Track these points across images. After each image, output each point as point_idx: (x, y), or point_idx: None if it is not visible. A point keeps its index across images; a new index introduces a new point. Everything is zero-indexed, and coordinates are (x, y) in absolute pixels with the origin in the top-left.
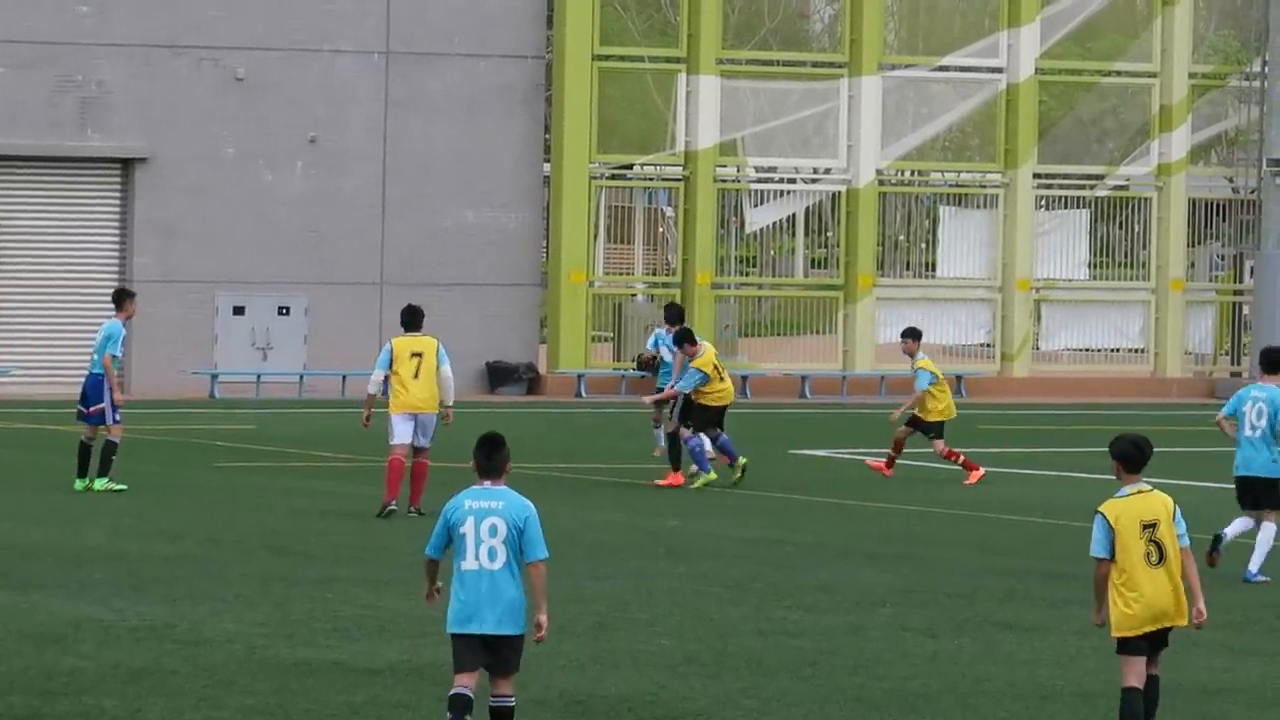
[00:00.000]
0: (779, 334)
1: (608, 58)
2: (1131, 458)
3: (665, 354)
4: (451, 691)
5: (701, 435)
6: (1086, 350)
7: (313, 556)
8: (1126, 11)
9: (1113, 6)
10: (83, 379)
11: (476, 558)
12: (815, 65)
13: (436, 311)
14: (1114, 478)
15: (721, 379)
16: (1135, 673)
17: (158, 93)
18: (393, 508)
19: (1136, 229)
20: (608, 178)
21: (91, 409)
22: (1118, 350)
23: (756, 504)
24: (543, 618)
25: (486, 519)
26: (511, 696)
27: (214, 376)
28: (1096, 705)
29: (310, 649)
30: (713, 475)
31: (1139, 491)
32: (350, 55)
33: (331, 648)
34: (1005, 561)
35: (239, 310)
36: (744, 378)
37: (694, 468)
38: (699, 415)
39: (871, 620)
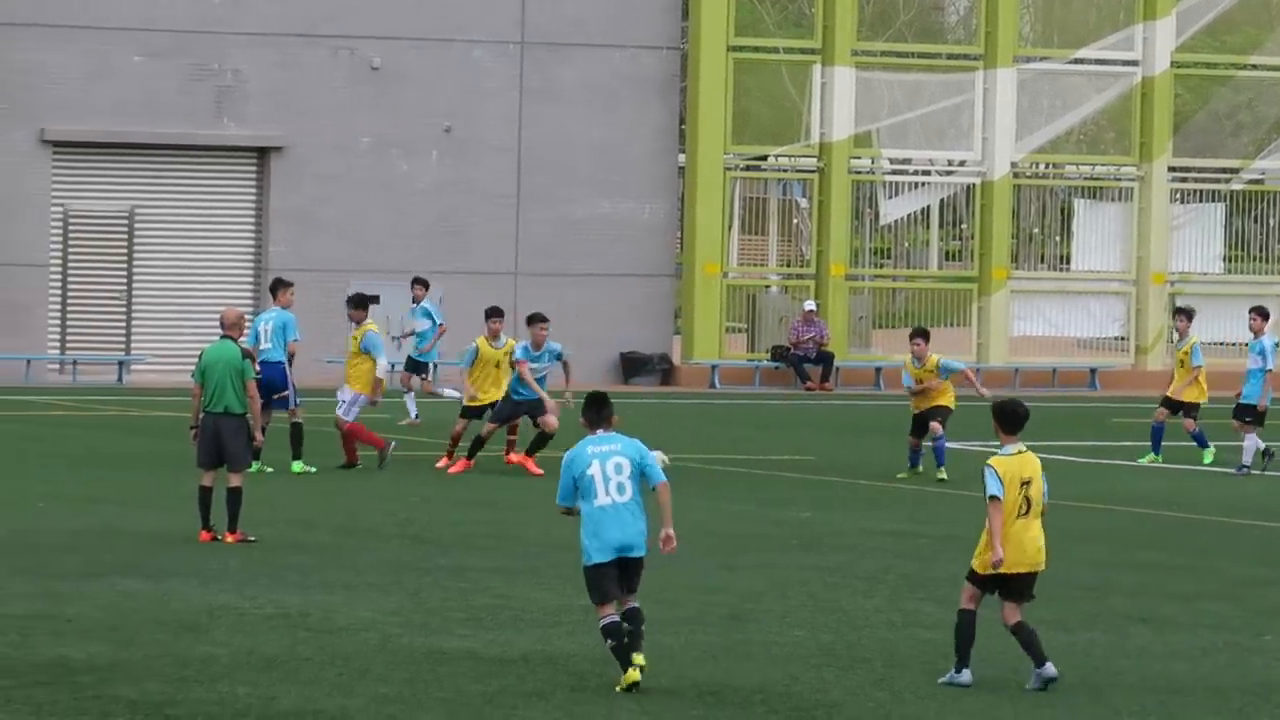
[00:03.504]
0: (912, 326)
1: (742, 49)
2: (1008, 418)
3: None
4: (603, 622)
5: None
6: (1221, 344)
7: (445, 545)
8: (1262, 5)
9: (1248, 0)
10: None
11: (608, 493)
12: (950, 57)
13: (571, 302)
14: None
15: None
16: (970, 598)
17: (293, 82)
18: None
19: (1272, 223)
20: (742, 169)
21: (276, 395)
22: None
23: (889, 496)
24: (670, 531)
25: (611, 459)
26: (638, 603)
27: None
28: (1230, 699)
29: (444, 638)
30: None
31: (1019, 451)
32: (485, 45)
33: (465, 637)
34: (1137, 554)
35: (373, 299)
36: (877, 369)
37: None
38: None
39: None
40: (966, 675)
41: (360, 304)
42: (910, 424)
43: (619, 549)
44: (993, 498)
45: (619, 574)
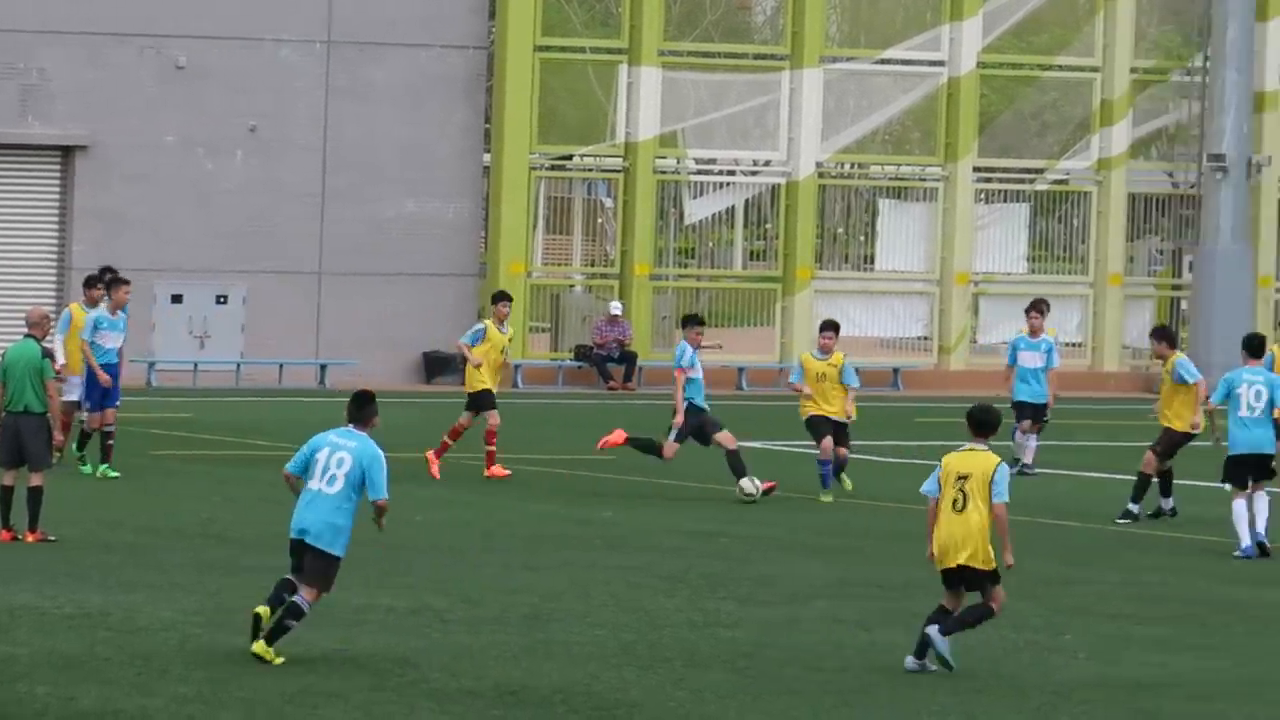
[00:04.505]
0: (716, 326)
1: (549, 48)
2: (976, 422)
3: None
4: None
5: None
6: None
7: (249, 545)
8: (1069, 6)
9: (1055, 1)
10: None
11: (320, 480)
12: (757, 57)
13: (375, 301)
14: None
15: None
16: (947, 597)
17: (99, 80)
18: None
19: (1076, 223)
20: (547, 168)
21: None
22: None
23: (693, 496)
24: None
25: (338, 452)
26: (309, 602)
27: (151, 365)
28: (1030, 698)
29: (245, 638)
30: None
31: (972, 450)
32: (292, 44)
33: None
34: None
35: (177, 299)
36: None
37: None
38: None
39: (806, 612)
40: (912, 663)
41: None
42: (811, 432)
43: (299, 531)
44: (924, 494)
45: (302, 561)
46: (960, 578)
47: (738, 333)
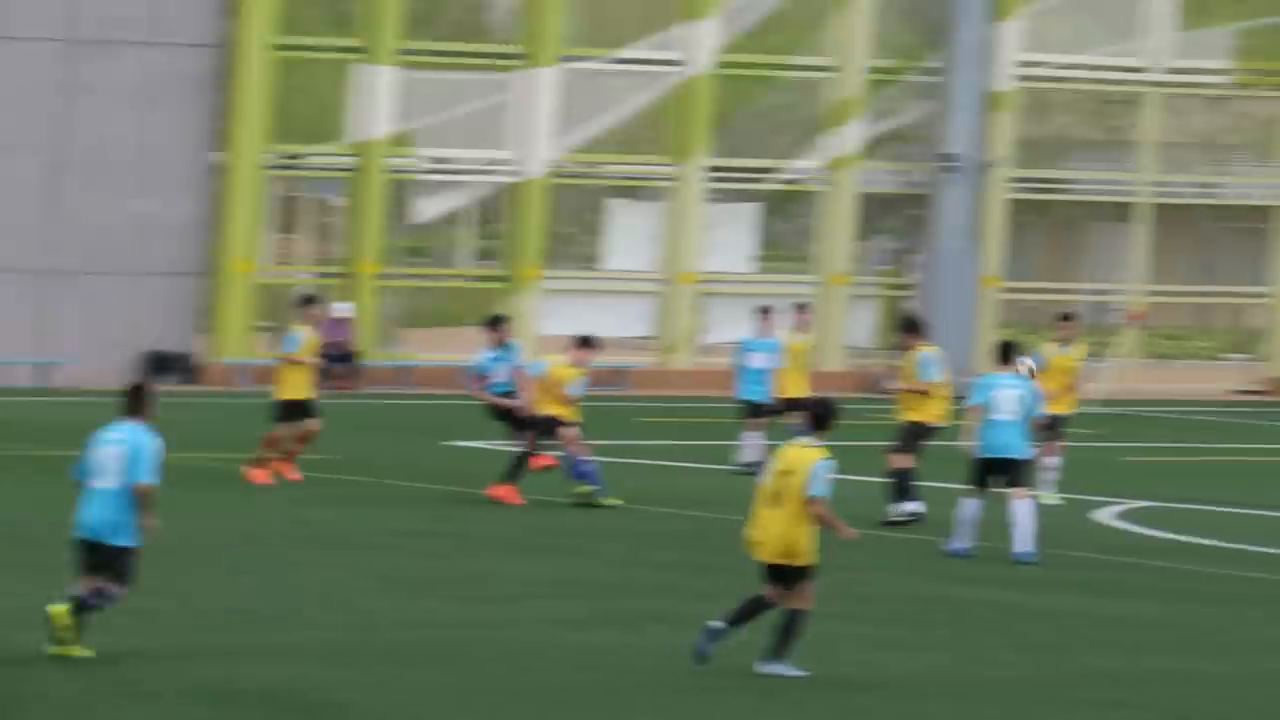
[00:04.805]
0: (444, 325)
1: (285, 47)
2: (811, 416)
3: None
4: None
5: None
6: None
7: None
8: (807, 6)
9: (793, 1)
10: None
11: (98, 477)
12: (492, 56)
13: (99, 300)
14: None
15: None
16: (768, 590)
17: None
18: None
19: (806, 223)
20: (278, 167)
21: None
22: None
23: (408, 495)
24: (150, 523)
25: (108, 447)
26: (100, 595)
27: None
28: (743, 698)
29: None
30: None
31: (801, 445)
32: (24, 42)
33: None
34: (658, 554)
35: None
36: (405, 368)
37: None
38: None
39: (522, 612)
40: (717, 623)
41: None
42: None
43: (84, 530)
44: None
45: (93, 558)
46: (777, 574)
47: (465, 332)
